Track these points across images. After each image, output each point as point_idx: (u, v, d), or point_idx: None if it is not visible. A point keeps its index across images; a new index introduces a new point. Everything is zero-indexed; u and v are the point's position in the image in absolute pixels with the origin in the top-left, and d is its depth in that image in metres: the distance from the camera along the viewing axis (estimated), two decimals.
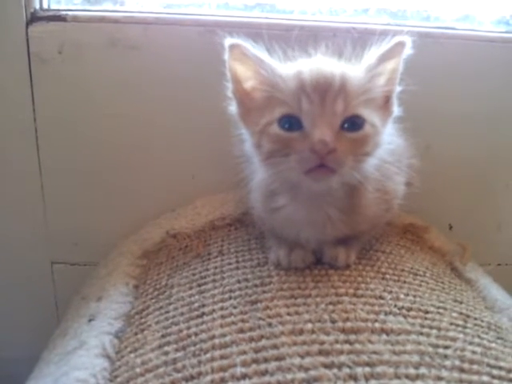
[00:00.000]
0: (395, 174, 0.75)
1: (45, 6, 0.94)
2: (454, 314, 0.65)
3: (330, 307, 0.61)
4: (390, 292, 0.66)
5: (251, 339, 0.57)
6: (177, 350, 0.59)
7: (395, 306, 0.63)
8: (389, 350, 0.54)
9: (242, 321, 0.60)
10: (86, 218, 1.03)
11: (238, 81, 0.67)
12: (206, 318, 0.63)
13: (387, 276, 0.71)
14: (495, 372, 0.54)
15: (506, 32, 1.00)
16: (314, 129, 0.61)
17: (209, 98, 0.86)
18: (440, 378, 0.51)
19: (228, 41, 0.65)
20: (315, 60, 0.69)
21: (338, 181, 0.64)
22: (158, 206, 0.99)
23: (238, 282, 0.69)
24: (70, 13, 0.92)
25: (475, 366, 0.54)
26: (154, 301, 0.72)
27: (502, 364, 0.56)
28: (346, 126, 0.62)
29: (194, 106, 0.94)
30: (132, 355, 0.62)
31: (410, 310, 0.63)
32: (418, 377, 0.51)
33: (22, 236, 1.04)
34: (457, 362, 0.54)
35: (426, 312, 0.63)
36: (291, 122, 0.62)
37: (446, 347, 0.56)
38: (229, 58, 0.66)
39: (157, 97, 0.95)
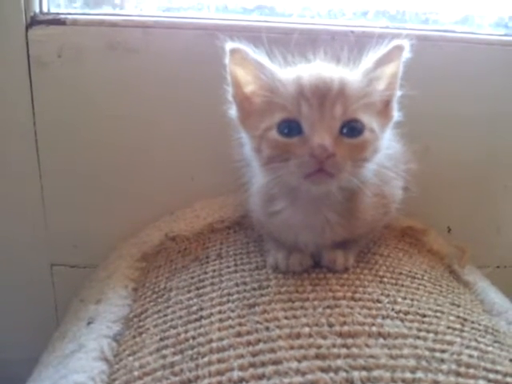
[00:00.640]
0: (393, 179, 0.75)
1: (44, 9, 0.94)
2: (452, 318, 0.65)
3: (328, 311, 0.61)
4: (388, 296, 0.66)
5: (249, 343, 0.57)
6: (174, 354, 0.59)
7: (393, 309, 0.63)
8: (386, 354, 0.54)
9: (240, 324, 0.61)
10: (85, 221, 1.03)
11: (238, 85, 0.67)
12: (203, 322, 0.63)
13: (385, 279, 0.71)
14: (492, 376, 0.54)
15: (505, 35, 1.01)
16: (314, 134, 0.61)
17: (208, 100, 0.86)
18: (436, 382, 0.51)
19: (229, 45, 0.66)
20: (314, 65, 0.69)
21: (337, 185, 0.64)
22: (157, 209, 1.00)
23: (237, 285, 0.70)
24: (69, 16, 0.92)
25: (472, 370, 0.54)
26: (152, 304, 0.73)
27: (498, 368, 0.56)
28: (345, 130, 0.62)
29: (194, 108, 0.95)
30: (130, 358, 0.62)
31: (407, 313, 0.63)
32: (414, 381, 0.51)
33: (22, 238, 1.05)
34: (453, 366, 0.54)
35: (424, 316, 0.63)
36: (290, 127, 0.63)
37: (443, 351, 0.56)
38: (229, 62, 0.66)
39: (156, 100, 0.95)
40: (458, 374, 0.53)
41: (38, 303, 1.10)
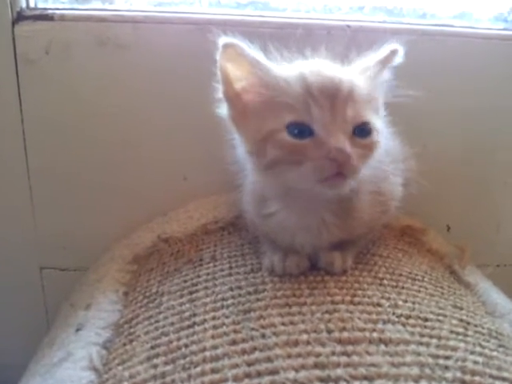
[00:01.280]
0: (391, 175, 0.73)
1: (31, 4, 0.91)
2: (454, 322, 0.63)
3: (326, 316, 0.59)
4: (388, 299, 0.64)
5: (244, 351, 0.54)
6: (166, 363, 0.56)
7: (393, 313, 0.61)
8: (387, 361, 0.52)
9: (235, 331, 0.58)
10: (75, 222, 1.00)
11: (231, 83, 0.63)
12: (196, 329, 0.60)
13: (385, 282, 0.68)
14: (498, 383, 0.52)
15: (504, 29, 0.99)
16: (330, 136, 0.58)
17: (200, 97, 0.83)
18: None
19: (222, 40, 0.62)
20: (316, 63, 0.66)
21: (350, 185, 0.62)
22: (149, 209, 0.97)
23: (231, 289, 0.67)
24: (57, 11, 0.89)
25: (477, 378, 0.52)
26: (143, 309, 0.70)
27: (504, 374, 0.54)
28: (356, 132, 0.61)
29: (186, 106, 0.92)
30: (120, 368, 0.59)
31: (408, 317, 0.61)
32: None
33: (10, 241, 1.02)
34: (458, 374, 0.52)
35: (426, 320, 0.61)
36: (301, 129, 0.60)
37: (447, 358, 0.54)
38: (222, 58, 0.62)
39: (147, 97, 0.93)
40: (463, 382, 0.51)
41: (27, 307, 1.07)
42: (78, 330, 0.71)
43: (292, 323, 0.58)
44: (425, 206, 0.88)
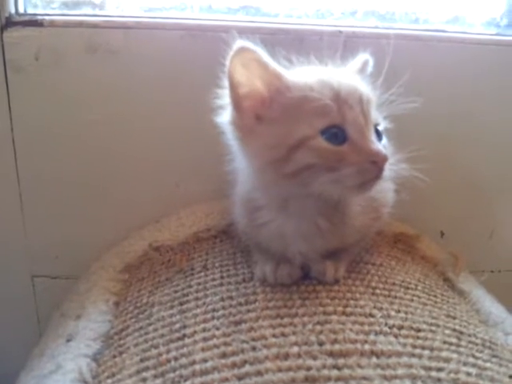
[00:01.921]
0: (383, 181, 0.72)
1: (20, 10, 0.90)
2: (447, 332, 0.62)
3: (318, 327, 0.58)
4: (381, 309, 0.63)
5: (234, 365, 0.54)
6: (155, 377, 0.55)
7: (386, 324, 0.60)
8: (379, 374, 0.51)
9: (225, 344, 0.57)
10: (66, 230, 0.99)
11: (244, 88, 0.60)
12: (186, 341, 0.60)
13: (377, 291, 0.68)
14: None
15: (497, 34, 0.99)
16: (367, 140, 0.59)
17: (192, 103, 0.84)
18: None
19: (239, 43, 0.59)
20: (322, 69, 0.67)
21: None
22: (142, 217, 0.96)
23: (222, 299, 0.66)
24: (47, 17, 0.88)
25: None
26: (133, 320, 0.69)
27: None
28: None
29: (177, 112, 0.91)
30: (109, 381, 0.59)
31: (401, 328, 0.60)
32: None
33: (1, 249, 1.00)
34: None
35: (418, 330, 0.60)
36: (336, 133, 0.59)
37: (439, 369, 0.54)
38: (234, 62, 0.59)
39: (138, 103, 0.92)
40: None
41: (19, 316, 1.06)
42: (68, 340, 0.70)
43: (283, 335, 0.57)
44: (419, 211, 0.88)
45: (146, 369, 0.57)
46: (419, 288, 0.73)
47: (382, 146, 0.62)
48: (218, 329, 0.60)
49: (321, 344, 0.56)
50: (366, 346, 0.55)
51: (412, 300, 0.68)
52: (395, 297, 0.68)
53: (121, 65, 0.90)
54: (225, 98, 0.64)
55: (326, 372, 0.52)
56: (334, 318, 0.60)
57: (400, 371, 0.52)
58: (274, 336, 0.57)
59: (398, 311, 0.64)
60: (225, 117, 0.64)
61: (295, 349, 0.55)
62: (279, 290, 0.67)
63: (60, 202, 0.97)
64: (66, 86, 0.90)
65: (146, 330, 0.65)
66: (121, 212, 0.98)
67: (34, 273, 1.02)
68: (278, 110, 0.61)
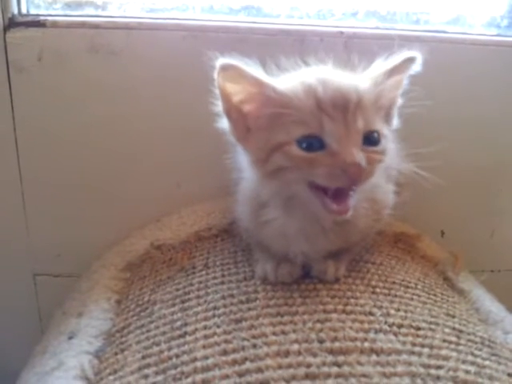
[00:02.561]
0: (385, 183, 0.73)
1: (23, 10, 0.90)
2: (447, 330, 0.62)
3: (318, 325, 0.59)
4: (381, 307, 0.64)
5: (235, 362, 0.54)
6: (157, 374, 0.56)
7: (385, 322, 0.61)
8: (378, 372, 0.52)
9: (226, 341, 0.58)
10: (68, 229, 1.00)
11: (231, 100, 0.63)
12: (188, 338, 0.60)
13: (377, 290, 0.68)
14: None
15: (498, 35, 0.99)
16: (343, 150, 0.58)
17: (193, 103, 0.84)
18: None
19: (220, 61, 0.60)
20: (321, 71, 0.66)
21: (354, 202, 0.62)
22: (143, 216, 0.97)
23: (223, 297, 0.67)
24: (49, 18, 0.89)
25: None
26: (135, 318, 0.70)
27: None
28: (364, 141, 0.61)
29: (179, 112, 0.92)
30: (111, 377, 0.59)
31: (400, 326, 0.61)
32: None
33: (4, 247, 1.01)
34: None
35: (418, 328, 0.61)
36: (311, 142, 0.59)
37: (439, 367, 0.54)
38: (221, 78, 0.61)
39: (140, 103, 0.92)
40: None
41: (21, 314, 1.07)
42: (70, 338, 0.71)
43: (283, 333, 0.58)
44: (419, 211, 0.88)
45: (148, 366, 0.58)
46: (419, 287, 0.73)
47: (379, 150, 0.62)
48: (218, 326, 0.61)
49: (321, 342, 0.56)
50: (366, 344, 0.56)
51: (412, 299, 0.69)
52: (395, 295, 0.68)
53: (123, 65, 0.90)
54: (219, 106, 0.65)
55: (326, 369, 0.52)
56: (334, 316, 0.61)
57: (399, 369, 0.53)
58: (274, 334, 0.58)
59: (398, 310, 0.64)
60: (223, 124, 0.66)
61: (295, 346, 0.55)
62: (280, 288, 0.67)
63: (62, 201, 0.98)
64: (68, 87, 0.91)
65: (147, 327, 0.66)
66: (122, 211, 0.98)
67: (36, 271, 1.03)
68: (264, 119, 0.62)
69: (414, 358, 0.55)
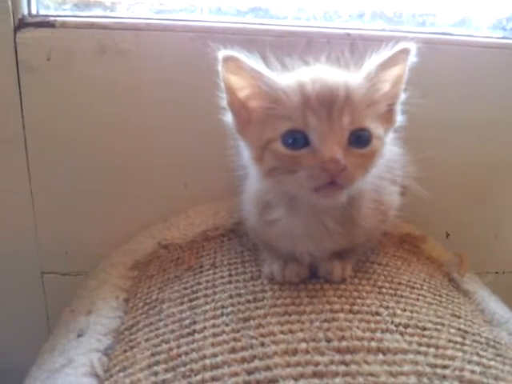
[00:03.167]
0: (390, 184, 0.73)
1: (33, 11, 0.91)
2: (452, 331, 0.63)
3: (325, 325, 0.59)
4: (387, 307, 0.64)
5: (243, 360, 0.55)
6: (166, 371, 0.57)
7: (392, 322, 0.61)
8: (385, 371, 0.52)
9: (234, 339, 0.59)
10: (76, 227, 1.00)
11: (234, 94, 0.64)
12: (196, 336, 0.61)
13: (383, 290, 0.69)
14: None
15: (503, 38, 0.99)
16: (324, 146, 0.58)
17: (201, 104, 0.85)
18: None
19: (222, 52, 0.62)
20: (315, 70, 0.66)
21: (346, 195, 0.62)
22: (150, 215, 0.97)
23: (231, 297, 0.68)
24: (58, 19, 0.89)
25: None
26: (144, 316, 0.70)
27: None
28: (353, 139, 0.60)
29: (186, 113, 0.93)
30: (121, 374, 0.60)
31: (407, 326, 0.61)
32: None
33: (12, 245, 1.02)
34: (455, 383, 0.52)
35: (424, 329, 0.62)
36: (296, 138, 0.60)
37: (445, 367, 0.55)
38: (223, 70, 0.63)
39: (148, 104, 0.93)
40: None
41: (28, 312, 1.07)
42: (79, 335, 0.71)
43: (291, 332, 0.59)
44: (424, 213, 0.88)
45: (157, 363, 0.59)
46: (425, 288, 0.73)
47: (369, 151, 0.61)
48: (227, 325, 0.62)
49: (328, 341, 0.57)
50: (373, 343, 0.57)
51: (418, 299, 0.69)
52: (401, 296, 0.69)
53: (131, 66, 0.91)
54: (224, 100, 0.66)
55: (333, 368, 0.53)
56: (341, 315, 0.62)
57: (406, 368, 0.53)
58: (282, 332, 0.59)
59: (404, 310, 0.65)
60: (228, 118, 0.67)
61: (303, 345, 0.56)
62: (287, 288, 0.68)
63: (70, 199, 0.98)
64: (77, 87, 0.92)
65: (156, 325, 0.67)
66: (130, 210, 0.99)
67: (44, 269, 1.04)
68: (260, 113, 0.63)
69: (420, 358, 0.55)
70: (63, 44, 0.89)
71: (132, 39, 0.90)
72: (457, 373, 0.54)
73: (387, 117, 0.66)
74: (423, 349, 0.57)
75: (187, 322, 0.65)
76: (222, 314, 0.64)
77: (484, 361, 0.58)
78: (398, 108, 0.67)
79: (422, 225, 0.94)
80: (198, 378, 0.54)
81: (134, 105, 0.93)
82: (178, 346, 0.60)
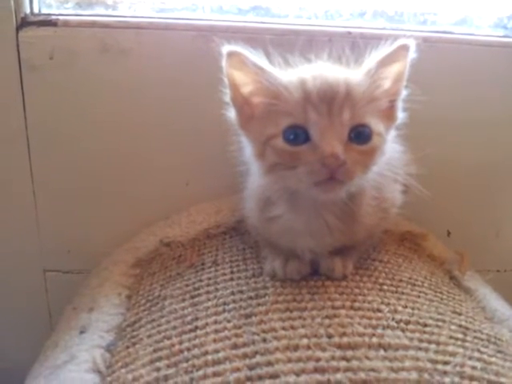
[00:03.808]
0: (392, 182, 0.73)
1: (35, 10, 0.91)
2: (453, 327, 0.63)
3: (327, 321, 0.60)
4: (388, 304, 0.65)
5: (245, 355, 0.55)
6: (168, 367, 0.57)
7: (393, 319, 0.62)
8: (386, 366, 0.53)
9: (236, 335, 0.59)
10: (78, 225, 1.01)
11: (237, 89, 0.65)
12: (198, 332, 0.61)
13: (385, 287, 0.69)
14: None
15: (505, 36, 0.99)
16: (323, 141, 0.59)
17: (203, 103, 0.86)
18: None
19: (226, 48, 0.63)
20: (317, 67, 0.66)
21: (346, 191, 0.63)
22: (152, 214, 0.98)
23: (233, 293, 0.68)
24: (61, 17, 0.90)
25: (475, 383, 0.53)
26: (146, 313, 0.71)
27: (502, 380, 0.54)
28: (353, 135, 0.60)
29: (188, 111, 0.93)
30: (123, 370, 0.60)
31: (408, 323, 0.61)
32: None
33: (14, 243, 1.02)
34: (456, 379, 0.52)
35: (425, 325, 0.62)
36: (297, 134, 0.60)
37: (446, 363, 0.55)
38: (227, 65, 0.63)
39: (150, 102, 0.93)
40: None
41: (31, 310, 1.08)
42: (81, 332, 0.72)
43: (293, 328, 0.59)
44: (425, 211, 0.88)
45: (160, 359, 0.59)
46: (426, 285, 0.74)
47: (369, 148, 0.61)
48: (229, 321, 0.62)
49: (329, 337, 0.57)
50: (374, 339, 0.57)
51: (419, 296, 0.69)
52: (402, 293, 0.69)
53: (132, 65, 0.91)
54: (227, 96, 0.67)
55: (334, 363, 0.53)
56: (343, 312, 0.62)
57: (407, 363, 0.54)
58: (283, 329, 0.59)
59: (405, 307, 0.65)
60: (231, 113, 0.68)
61: (305, 341, 0.56)
62: (289, 284, 0.68)
63: (72, 198, 0.99)
64: (79, 85, 0.92)
65: (158, 321, 0.67)
66: (132, 209, 0.99)
67: (46, 267, 1.04)
68: (262, 109, 0.64)
69: (421, 354, 0.56)
70: (65, 43, 0.89)
71: (134, 38, 0.90)
72: (458, 369, 0.54)
73: (388, 114, 0.66)
74: (424, 345, 0.58)
75: (189, 318, 0.65)
76: (224, 311, 0.64)
77: (485, 357, 0.58)
78: (400, 105, 0.67)
79: (424, 223, 0.94)
80: (200, 373, 0.54)
81: (136, 103, 0.93)
82: (180, 342, 0.61)
